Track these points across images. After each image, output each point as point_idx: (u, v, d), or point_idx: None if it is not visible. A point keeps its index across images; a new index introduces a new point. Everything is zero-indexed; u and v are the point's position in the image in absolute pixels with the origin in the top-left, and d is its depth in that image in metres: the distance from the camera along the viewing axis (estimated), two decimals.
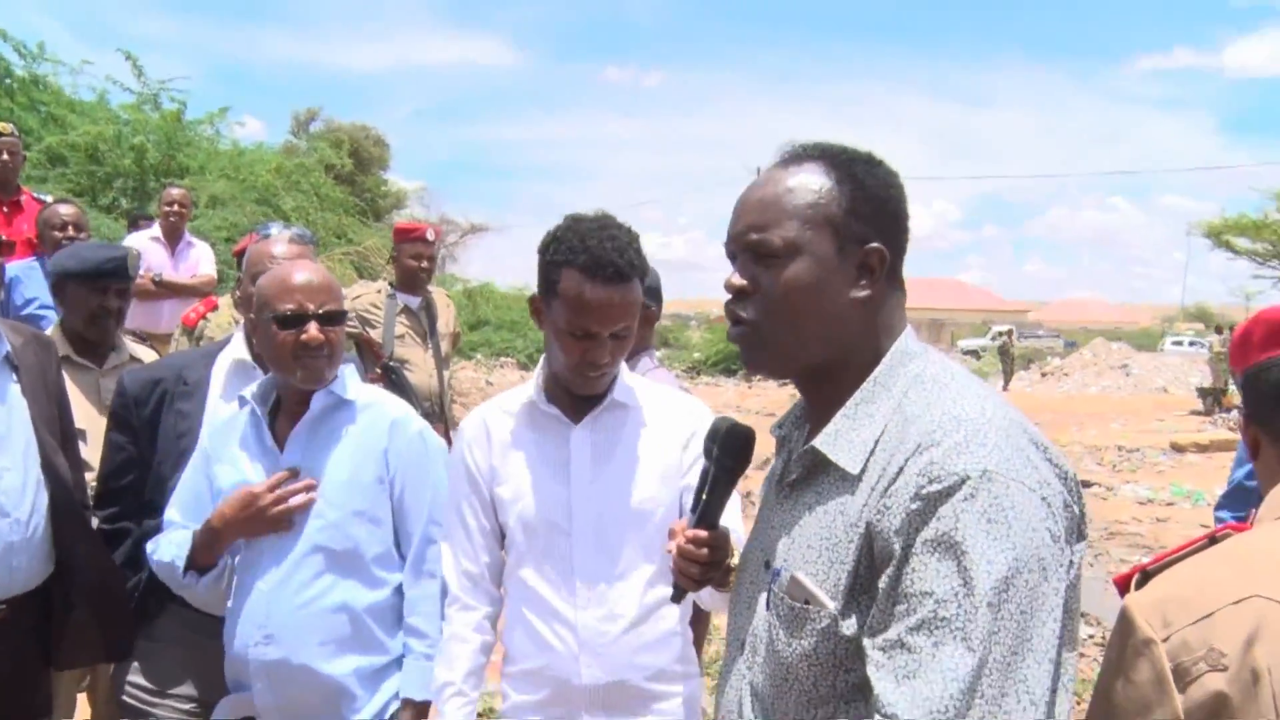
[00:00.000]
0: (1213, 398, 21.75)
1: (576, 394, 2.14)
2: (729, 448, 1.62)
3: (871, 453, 1.33)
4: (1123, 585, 1.45)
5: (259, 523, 2.28)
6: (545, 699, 2.14)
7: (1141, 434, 17.70)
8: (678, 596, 1.76)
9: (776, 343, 1.41)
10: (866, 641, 1.24)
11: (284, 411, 2.41)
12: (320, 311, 2.29)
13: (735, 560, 1.79)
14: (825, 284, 1.37)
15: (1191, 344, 39.62)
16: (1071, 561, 1.26)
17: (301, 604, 2.28)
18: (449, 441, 5.17)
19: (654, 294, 3.26)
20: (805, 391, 1.48)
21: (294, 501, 2.28)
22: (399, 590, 2.37)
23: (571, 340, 2.04)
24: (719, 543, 1.68)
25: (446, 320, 5.54)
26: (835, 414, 1.39)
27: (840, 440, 1.36)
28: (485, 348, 25.25)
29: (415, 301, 5.32)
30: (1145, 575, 1.43)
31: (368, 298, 5.29)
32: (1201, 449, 15.62)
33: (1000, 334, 34.26)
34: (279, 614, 2.27)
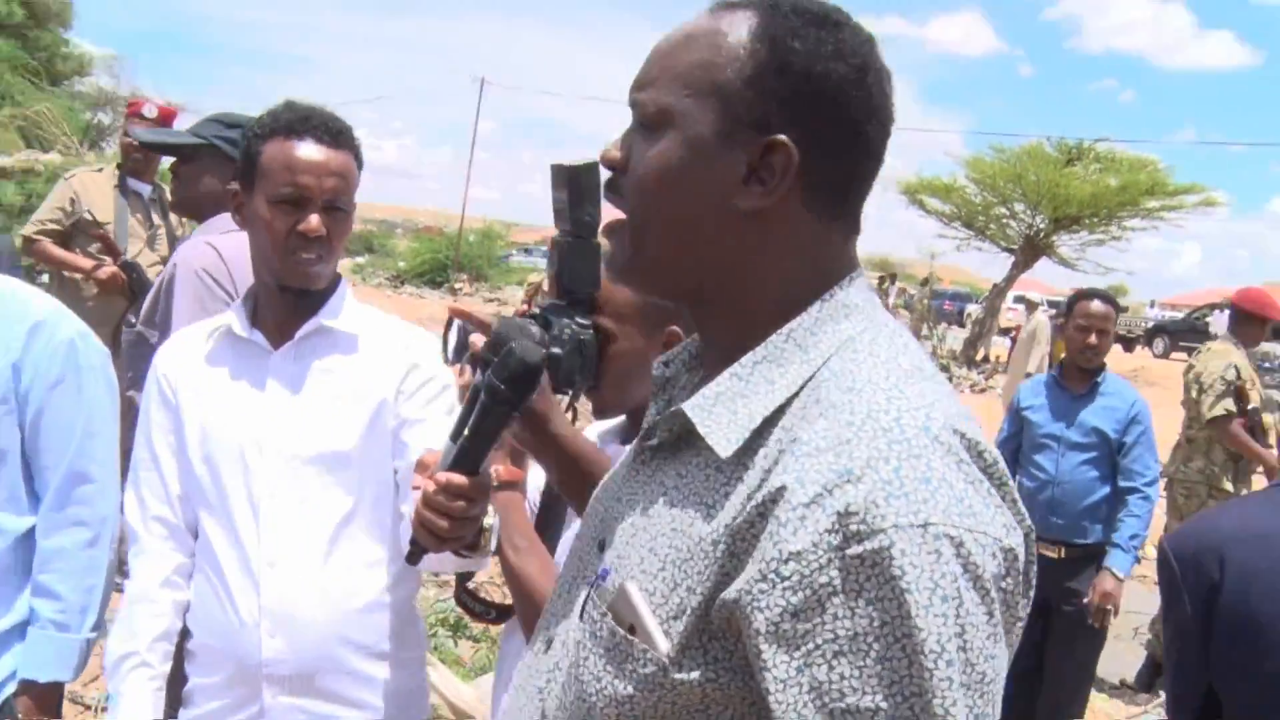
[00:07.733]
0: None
1: (290, 288, 1.86)
2: (519, 379, 1.18)
3: (758, 434, 0.93)
4: None
5: None
6: (225, 680, 1.84)
7: None
8: (414, 556, 1.35)
9: (638, 244, 1.02)
10: None
11: None
12: None
13: (492, 519, 1.47)
14: (694, 174, 0.97)
15: None
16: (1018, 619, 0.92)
17: None
18: None
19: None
20: (697, 327, 1.09)
21: None
22: (31, 537, 1.91)
23: (280, 213, 1.80)
24: (479, 493, 1.25)
25: None
26: (726, 369, 0.99)
27: (720, 408, 0.96)
28: None
29: (148, 189, 4.47)
30: None
31: (94, 187, 4.33)
32: None
33: None
34: None
